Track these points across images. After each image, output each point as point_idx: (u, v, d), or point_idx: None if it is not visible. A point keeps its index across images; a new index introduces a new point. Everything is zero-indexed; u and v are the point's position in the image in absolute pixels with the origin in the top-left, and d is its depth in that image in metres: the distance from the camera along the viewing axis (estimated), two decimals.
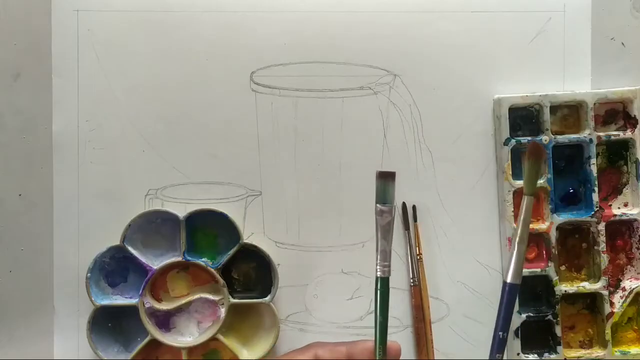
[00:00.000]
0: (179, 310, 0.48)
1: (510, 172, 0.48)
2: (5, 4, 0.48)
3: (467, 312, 0.49)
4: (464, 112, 0.49)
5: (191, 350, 0.47)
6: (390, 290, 0.48)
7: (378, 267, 0.39)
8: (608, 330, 0.47)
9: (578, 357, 0.48)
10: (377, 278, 0.39)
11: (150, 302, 0.47)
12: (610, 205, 0.49)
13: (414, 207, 0.49)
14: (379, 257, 0.39)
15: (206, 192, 0.49)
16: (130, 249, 0.47)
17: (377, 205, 0.39)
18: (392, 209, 0.40)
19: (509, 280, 0.40)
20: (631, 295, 0.48)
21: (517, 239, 0.40)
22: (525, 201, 0.40)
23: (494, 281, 0.49)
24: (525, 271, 0.47)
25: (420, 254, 0.48)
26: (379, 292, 0.39)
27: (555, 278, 0.48)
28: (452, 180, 0.49)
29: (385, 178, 0.40)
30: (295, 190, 0.49)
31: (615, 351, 0.48)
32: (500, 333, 0.39)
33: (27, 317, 0.48)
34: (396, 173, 0.40)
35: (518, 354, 0.47)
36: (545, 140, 0.48)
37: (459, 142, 0.49)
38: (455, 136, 0.49)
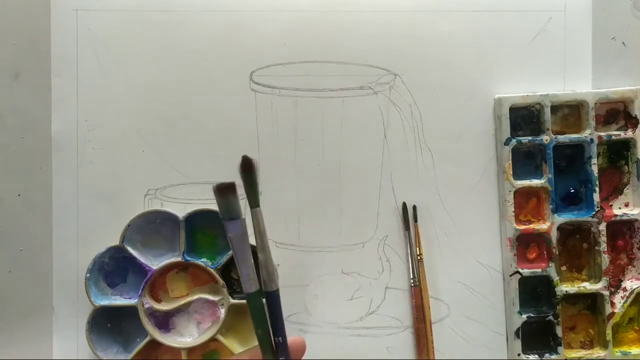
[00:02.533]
0: (179, 310, 0.48)
1: (511, 172, 0.48)
2: (4, 3, 0.48)
3: (467, 312, 0.49)
4: (464, 112, 0.49)
5: (191, 350, 0.47)
6: (390, 290, 0.49)
7: (245, 284, 0.36)
8: (609, 331, 0.47)
9: (579, 357, 0.48)
10: (247, 295, 0.36)
11: (149, 303, 0.47)
12: (611, 205, 0.49)
13: (414, 207, 0.48)
14: (241, 272, 0.36)
15: (206, 192, 0.48)
16: (129, 249, 0.47)
17: (224, 222, 0.35)
18: (243, 222, 0.35)
19: (267, 289, 0.36)
20: (632, 296, 0.48)
21: (259, 250, 0.37)
22: (257, 214, 0.37)
23: (494, 281, 0.49)
24: (526, 271, 0.47)
25: (420, 254, 0.48)
26: (251, 307, 0.36)
27: (556, 278, 0.48)
28: (452, 180, 0.49)
29: (225, 192, 0.35)
30: (295, 190, 0.49)
31: (616, 352, 0.48)
32: (277, 338, 0.36)
33: (27, 317, 0.48)
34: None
35: (519, 354, 0.47)
36: (546, 140, 0.48)
37: (460, 141, 0.49)
38: (455, 136, 0.49)
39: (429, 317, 0.48)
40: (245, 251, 0.36)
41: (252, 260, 0.36)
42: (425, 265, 0.48)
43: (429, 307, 0.48)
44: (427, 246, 0.49)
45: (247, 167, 0.37)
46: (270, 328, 0.36)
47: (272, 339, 0.36)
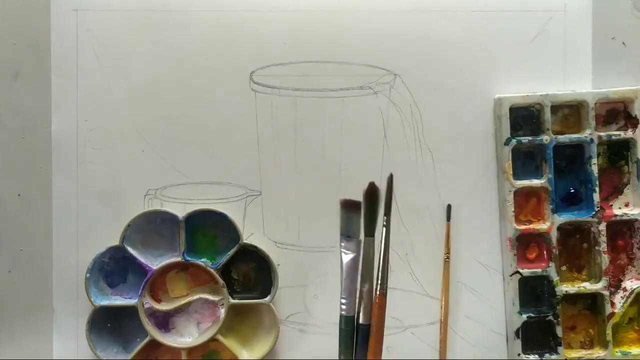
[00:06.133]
0: (179, 310, 0.48)
1: (511, 172, 0.48)
2: (4, 3, 0.48)
3: (467, 312, 0.49)
4: (464, 112, 0.49)
5: (191, 350, 0.47)
6: (391, 290, 0.49)
7: (342, 305, 0.35)
8: (609, 331, 0.47)
9: (579, 357, 0.48)
10: (340, 316, 0.36)
11: (149, 303, 0.47)
12: (611, 205, 0.49)
13: (448, 206, 0.48)
14: (343, 293, 0.36)
15: (206, 192, 0.48)
16: (129, 249, 0.47)
17: (342, 237, 0.35)
18: (358, 244, 0.35)
19: (361, 321, 0.36)
20: (632, 296, 0.48)
21: (366, 282, 0.36)
22: (371, 244, 0.36)
23: (494, 281, 0.49)
24: (526, 271, 0.47)
25: (448, 253, 0.48)
26: (342, 331, 0.36)
27: (556, 278, 0.48)
28: (452, 180, 0.49)
29: (351, 208, 0.35)
30: (295, 190, 0.49)
31: (616, 352, 0.48)
32: None
33: (27, 317, 0.48)
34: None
35: (519, 354, 0.47)
36: (546, 140, 0.48)
37: (460, 142, 0.49)
38: (455, 136, 0.49)
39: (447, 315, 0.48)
40: (353, 273, 0.35)
41: (357, 285, 0.36)
42: (424, 266, 0.48)
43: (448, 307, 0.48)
44: (427, 246, 0.49)
45: (373, 195, 0.36)
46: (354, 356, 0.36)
47: None
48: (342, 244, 0.35)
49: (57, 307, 0.48)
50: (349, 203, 0.35)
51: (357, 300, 0.35)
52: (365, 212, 0.36)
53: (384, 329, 0.38)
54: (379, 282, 0.40)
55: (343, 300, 0.35)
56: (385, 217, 0.37)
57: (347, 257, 0.35)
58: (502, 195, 0.48)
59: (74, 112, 0.48)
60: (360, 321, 0.36)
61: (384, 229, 0.37)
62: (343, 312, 0.35)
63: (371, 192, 0.36)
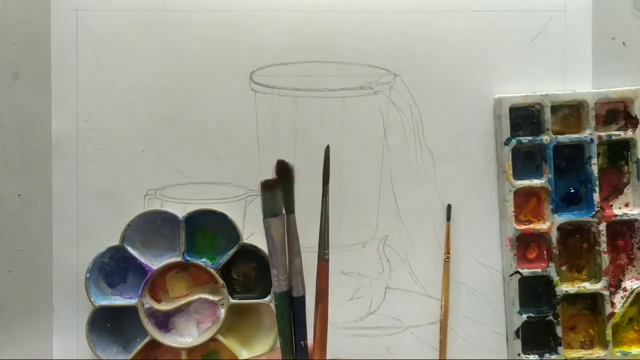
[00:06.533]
0: (179, 310, 0.48)
1: (511, 172, 0.48)
2: (4, 3, 0.48)
3: (467, 312, 0.49)
4: (464, 112, 0.49)
5: (191, 350, 0.47)
6: (390, 290, 0.49)
7: (275, 283, 0.36)
8: (609, 331, 0.47)
9: (579, 357, 0.48)
10: (274, 294, 0.37)
11: (149, 303, 0.47)
12: (611, 205, 0.49)
13: (449, 206, 0.48)
14: (273, 271, 0.36)
15: (206, 192, 0.48)
16: (129, 249, 0.47)
17: (267, 219, 0.36)
18: (282, 221, 0.36)
19: (295, 294, 0.37)
20: (632, 296, 0.48)
21: (293, 255, 0.38)
22: (292, 220, 0.38)
23: (494, 281, 0.49)
24: (526, 271, 0.47)
25: (448, 254, 0.48)
26: (278, 306, 0.36)
27: (556, 278, 0.48)
28: (452, 180, 0.49)
29: (272, 187, 0.36)
30: (294, 190, 0.49)
31: (616, 352, 0.48)
32: (300, 342, 0.37)
33: (27, 317, 0.48)
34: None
35: (519, 354, 0.47)
36: (546, 140, 0.48)
37: (460, 142, 0.49)
38: (455, 136, 0.49)
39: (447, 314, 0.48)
40: (282, 250, 0.36)
41: (286, 261, 0.36)
42: (424, 266, 0.48)
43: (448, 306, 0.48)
44: (427, 246, 0.49)
45: (285, 172, 0.37)
46: (293, 330, 0.37)
47: (294, 341, 0.36)
48: (268, 224, 0.35)
49: (57, 307, 0.48)
50: (269, 182, 0.36)
51: (288, 275, 0.36)
52: (282, 189, 0.36)
53: (328, 296, 0.39)
54: (320, 249, 0.41)
55: (275, 278, 0.36)
56: (324, 187, 0.38)
57: (277, 235, 0.35)
58: (502, 195, 0.48)
59: (74, 112, 0.48)
60: (294, 294, 0.37)
61: (323, 197, 0.38)
62: (278, 290, 0.36)
63: (282, 169, 0.36)
